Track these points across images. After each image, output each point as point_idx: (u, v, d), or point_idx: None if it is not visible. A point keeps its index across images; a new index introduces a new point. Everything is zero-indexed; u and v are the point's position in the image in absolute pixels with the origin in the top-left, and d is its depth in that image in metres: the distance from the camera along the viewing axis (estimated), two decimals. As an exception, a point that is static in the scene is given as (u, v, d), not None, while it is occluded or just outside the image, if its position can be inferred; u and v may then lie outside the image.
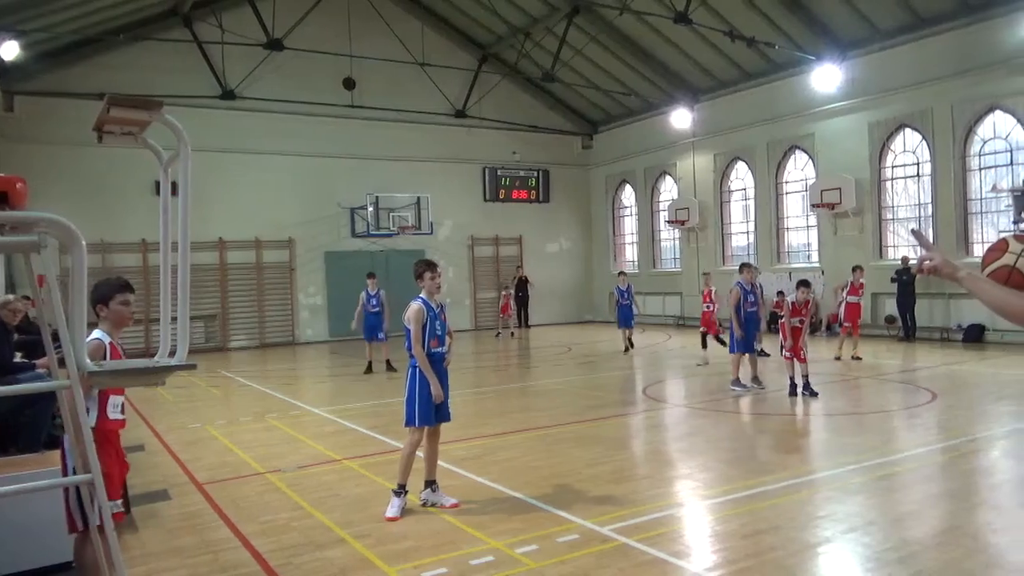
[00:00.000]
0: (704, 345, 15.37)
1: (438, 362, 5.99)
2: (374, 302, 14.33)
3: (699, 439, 8.50)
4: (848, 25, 18.05)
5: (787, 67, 19.93)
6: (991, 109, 16.25)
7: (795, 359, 10.46)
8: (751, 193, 21.96)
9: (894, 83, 17.61)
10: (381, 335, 14.39)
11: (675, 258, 24.74)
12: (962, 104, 16.52)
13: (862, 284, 15.18)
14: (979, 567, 4.58)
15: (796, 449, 8.09)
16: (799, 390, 10.39)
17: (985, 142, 16.68)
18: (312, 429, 9.52)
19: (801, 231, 21.00)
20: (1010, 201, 15.57)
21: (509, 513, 5.84)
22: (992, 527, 5.38)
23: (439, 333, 5.95)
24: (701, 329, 15.73)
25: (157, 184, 3.81)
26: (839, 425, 9.14)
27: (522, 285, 24.59)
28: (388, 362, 14.56)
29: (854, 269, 15.27)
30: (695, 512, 5.92)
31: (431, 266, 6.11)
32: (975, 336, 16.22)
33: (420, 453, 6.10)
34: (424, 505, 6.01)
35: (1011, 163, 16.10)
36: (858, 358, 14.36)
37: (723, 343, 14.04)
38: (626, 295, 17.21)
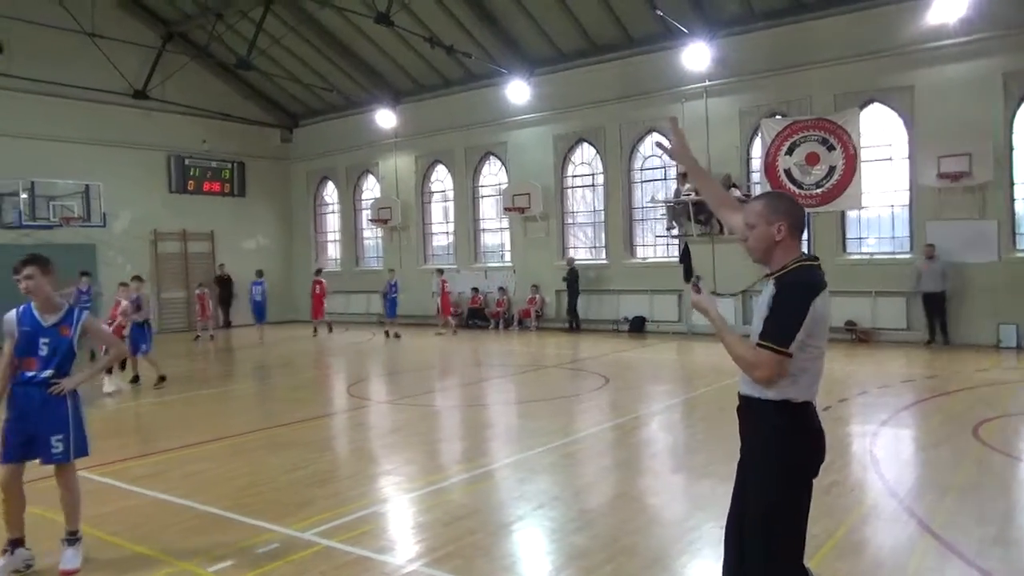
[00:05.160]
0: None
1: (27, 385, 4.63)
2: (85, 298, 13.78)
3: (403, 434, 8.62)
4: (536, 44, 19.63)
5: (483, 78, 21.07)
6: (649, 131, 18.79)
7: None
8: (451, 195, 22.88)
9: (574, 101, 19.53)
10: None
11: (378, 256, 24.85)
12: (627, 124, 18.87)
13: (444, 282, 20.12)
14: (642, 526, 5.24)
15: (493, 436, 8.57)
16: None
17: (646, 158, 19.25)
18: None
19: (496, 232, 22.37)
20: (664, 211, 18.16)
21: (199, 530, 5.37)
22: (652, 491, 6.20)
23: (42, 353, 4.62)
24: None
25: None
26: (529, 411, 9.90)
27: (225, 284, 22.99)
28: None
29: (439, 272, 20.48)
30: (399, 506, 5.98)
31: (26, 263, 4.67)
32: (638, 327, 18.62)
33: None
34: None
35: (664, 178, 18.78)
36: (440, 334, 19.31)
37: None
38: (394, 288, 19.88)
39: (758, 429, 3.04)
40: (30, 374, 4.63)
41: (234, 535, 5.21)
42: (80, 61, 19.94)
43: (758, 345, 2.90)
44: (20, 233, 19.21)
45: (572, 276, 19.17)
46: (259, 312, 20.09)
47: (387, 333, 19.49)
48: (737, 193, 16.90)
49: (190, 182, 23.65)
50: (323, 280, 21.42)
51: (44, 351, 4.60)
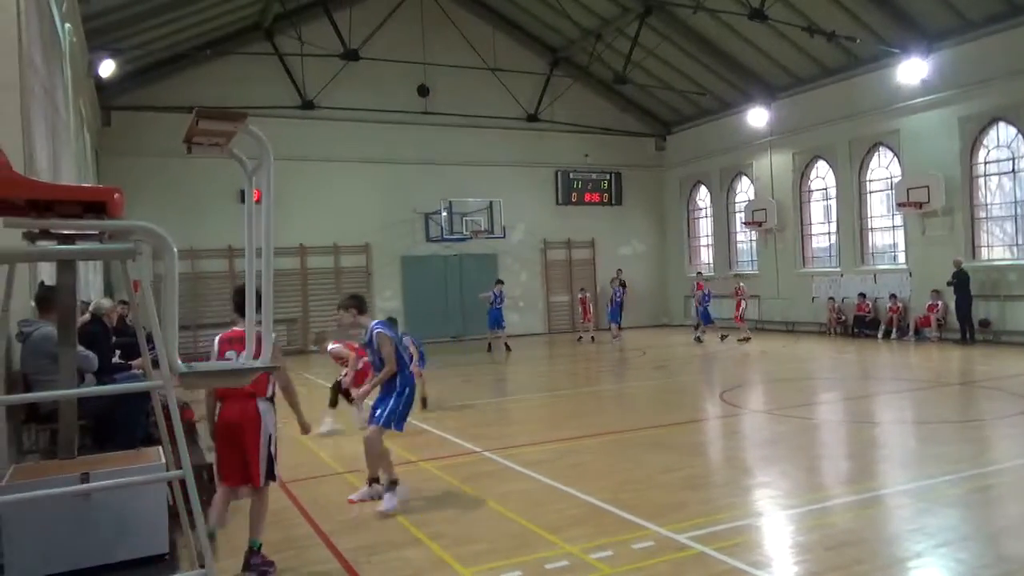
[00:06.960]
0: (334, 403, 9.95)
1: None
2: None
3: (779, 446, 8.26)
4: (934, 16, 17.26)
5: (869, 61, 19.19)
6: (1096, 99, 15.25)
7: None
8: (832, 193, 21.22)
9: (985, 75, 16.69)
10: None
11: (752, 260, 24.13)
12: (1063, 95, 15.55)
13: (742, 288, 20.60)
14: (1086, 588, 4.30)
15: (882, 458, 7.76)
16: None
17: (1090, 135, 15.68)
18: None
19: (886, 231, 20.18)
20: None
21: (583, 518, 5.81)
22: (1101, 545, 5.04)
23: (370, 360, 6.73)
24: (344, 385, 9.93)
25: (242, 192, 4.09)
26: (927, 434, 8.74)
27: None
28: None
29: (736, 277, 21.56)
30: (775, 522, 5.76)
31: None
32: (1080, 341, 15.22)
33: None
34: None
35: (1119, 156, 15.09)
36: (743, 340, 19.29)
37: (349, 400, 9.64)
38: (708, 297, 20.66)
39: None
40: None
41: (612, 527, 5.53)
42: (485, 93, 22.90)
43: None
44: (442, 245, 22.82)
45: (960, 279, 16.57)
46: (613, 314, 22.01)
47: (708, 337, 20.10)
48: None
49: (573, 194, 25.61)
50: (701, 283, 21.86)
51: (371, 358, 6.61)
